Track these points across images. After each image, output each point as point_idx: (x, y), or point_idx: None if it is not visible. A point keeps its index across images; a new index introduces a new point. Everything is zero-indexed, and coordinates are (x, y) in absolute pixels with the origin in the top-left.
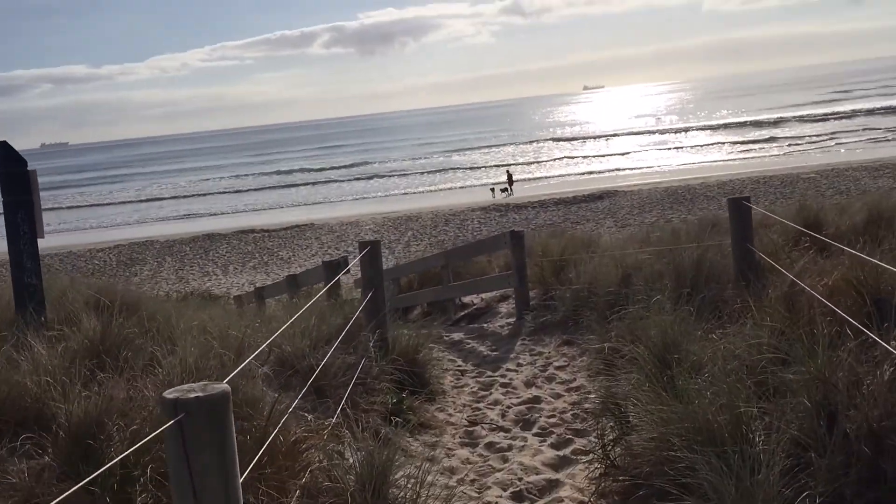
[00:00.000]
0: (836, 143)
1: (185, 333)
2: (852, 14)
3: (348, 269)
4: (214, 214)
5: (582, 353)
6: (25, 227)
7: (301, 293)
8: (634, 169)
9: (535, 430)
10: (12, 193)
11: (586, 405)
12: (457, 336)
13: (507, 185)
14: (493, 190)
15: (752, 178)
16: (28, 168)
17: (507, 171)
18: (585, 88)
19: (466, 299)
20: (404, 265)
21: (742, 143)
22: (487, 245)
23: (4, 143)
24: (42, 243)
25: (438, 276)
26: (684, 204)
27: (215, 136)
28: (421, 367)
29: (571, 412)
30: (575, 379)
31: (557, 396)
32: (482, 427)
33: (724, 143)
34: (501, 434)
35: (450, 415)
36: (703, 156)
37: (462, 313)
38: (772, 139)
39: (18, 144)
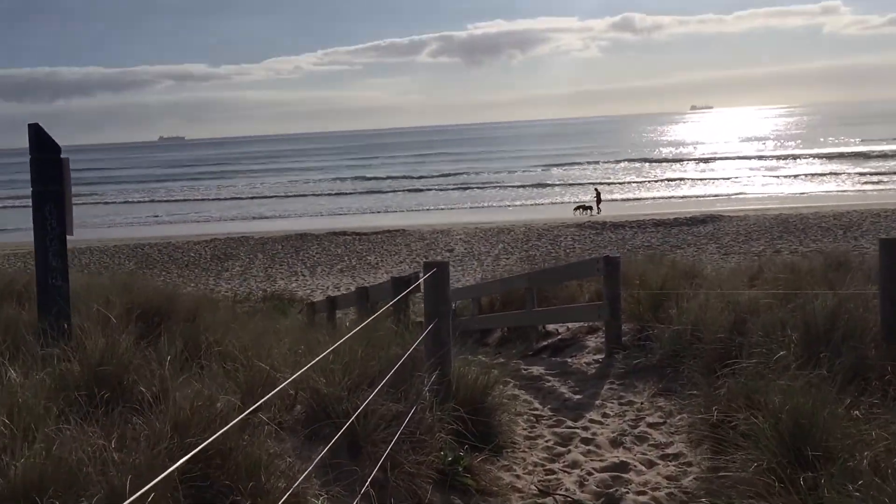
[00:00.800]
0: None
1: (209, 357)
2: None
3: (418, 287)
4: (310, 215)
5: (681, 410)
6: (53, 221)
7: (371, 308)
8: (741, 194)
9: None
10: (42, 182)
11: (685, 483)
12: (536, 370)
13: (592, 204)
14: (577, 210)
15: (872, 211)
16: (62, 155)
17: (596, 189)
18: (693, 108)
19: (551, 327)
20: (485, 284)
21: (860, 173)
22: (577, 270)
23: (36, 125)
24: (143, 232)
25: (522, 298)
26: (795, 234)
27: (321, 137)
28: (488, 413)
29: (667, 489)
30: (672, 443)
31: (650, 465)
32: (555, 500)
33: (839, 172)
34: None
35: (517, 476)
36: (817, 184)
37: (544, 343)
38: (893, 171)
39: (139, 136)
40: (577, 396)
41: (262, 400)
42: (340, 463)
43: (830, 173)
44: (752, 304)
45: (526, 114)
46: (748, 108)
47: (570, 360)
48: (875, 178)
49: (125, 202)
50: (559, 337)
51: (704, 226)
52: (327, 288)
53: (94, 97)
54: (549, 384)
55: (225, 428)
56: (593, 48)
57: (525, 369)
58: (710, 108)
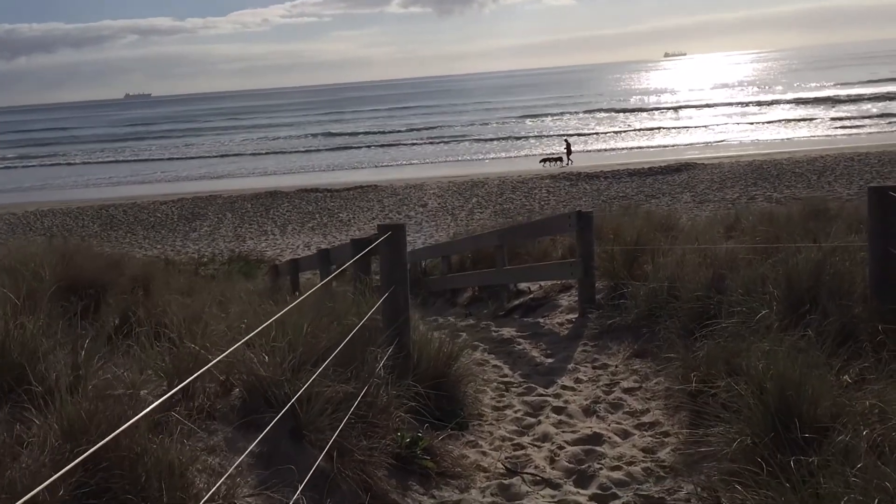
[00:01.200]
0: None
1: (147, 336)
2: None
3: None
4: (281, 173)
5: (657, 373)
6: None
7: (334, 272)
8: (715, 142)
9: (592, 488)
10: None
11: (662, 455)
12: (507, 332)
13: (563, 156)
14: (544, 162)
15: (845, 154)
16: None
17: (566, 141)
18: (666, 55)
19: (523, 286)
20: (455, 242)
21: (833, 118)
22: (549, 226)
23: None
24: (109, 193)
25: (493, 256)
26: (769, 181)
27: (291, 92)
28: (452, 386)
29: (643, 464)
30: (648, 410)
31: (625, 435)
32: (523, 479)
33: (812, 117)
34: (548, 491)
35: (483, 453)
36: (790, 130)
37: (516, 302)
38: (865, 115)
39: (103, 94)
40: (549, 360)
41: (173, 391)
42: (280, 455)
43: (803, 118)
44: (730, 258)
45: (498, 65)
46: (721, 55)
47: (542, 320)
48: (848, 122)
49: (88, 162)
50: (531, 296)
51: (679, 174)
52: (297, 247)
53: (56, 54)
54: (520, 347)
55: (122, 427)
56: None
57: (495, 331)
58: (684, 54)
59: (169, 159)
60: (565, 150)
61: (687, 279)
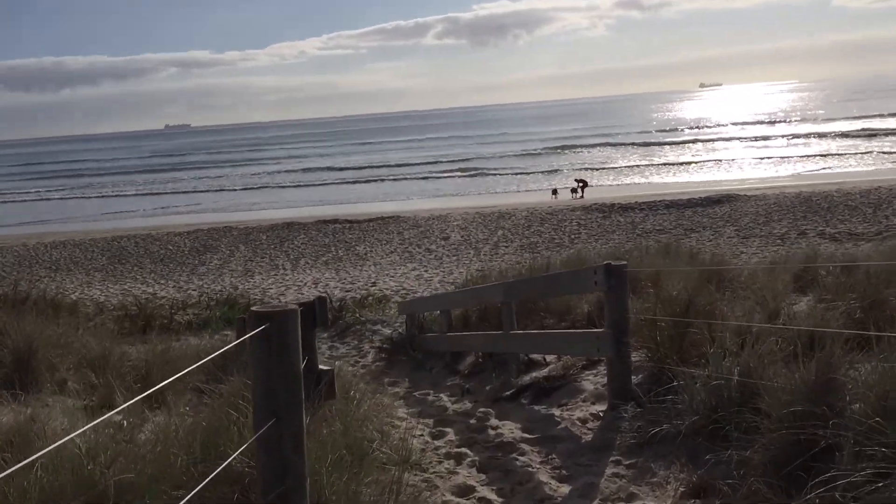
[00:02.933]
0: None
1: None
2: None
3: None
4: (302, 204)
5: None
6: None
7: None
8: (756, 172)
9: None
10: None
11: None
12: (508, 431)
13: (577, 188)
14: (554, 194)
15: None
16: None
17: (578, 180)
18: (702, 86)
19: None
20: (454, 295)
21: (882, 151)
22: (567, 283)
23: None
24: (122, 224)
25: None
26: (819, 213)
27: (326, 122)
28: None
29: None
30: None
31: None
32: None
33: (856, 147)
34: None
35: None
36: (835, 160)
37: (527, 378)
38: None
39: (144, 125)
40: (564, 489)
41: None
42: None
43: (846, 149)
44: (829, 340)
45: (533, 95)
46: (757, 85)
47: (558, 411)
48: (888, 151)
49: (118, 195)
50: (546, 371)
51: (720, 206)
52: (305, 284)
53: (99, 86)
54: (524, 460)
55: None
56: (600, 27)
57: (494, 428)
58: (720, 85)
59: (192, 191)
60: (580, 186)
61: (770, 372)
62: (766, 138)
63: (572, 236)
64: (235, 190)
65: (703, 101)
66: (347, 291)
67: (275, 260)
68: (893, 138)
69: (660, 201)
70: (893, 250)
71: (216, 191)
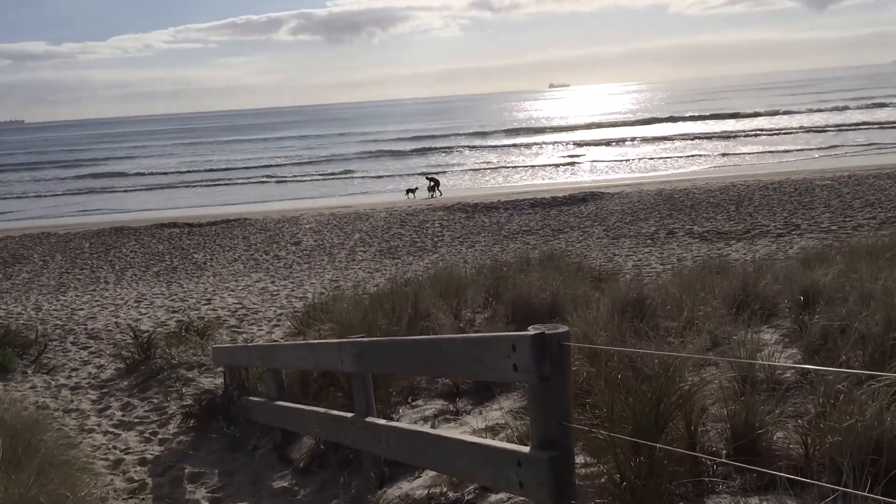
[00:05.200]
0: (827, 150)
1: None
2: (815, 23)
3: None
4: (136, 209)
5: None
6: None
7: None
8: (612, 170)
9: None
10: None
11: None
12: None
13: (429, 188)
14: (409, 193)
15: (759, 183)
16: None
17: (429, 179)
18: (551, 86)
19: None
20: (284, 349)
21: (723, 147)
22: (457, 358)
23: None
24: None
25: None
26: (684, 211)
27: (173, 119)
28: None
29: None
30: None
31: None
32: None
33: (701, 144)
34: None
35: None
36: (684, 158)
37: (393, 496)
38: (752, 142)
39: None
40: None
41: None
42: None
43: (693, 145)
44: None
45: (388, 93)
46: (603, 86)
47: None
48: (735, 150)
49: None
50: (424, 486)
51: (585, 205)
52: (126, 302)
53: None
54: None
55: None
56: (454, 27)
57: None
58: (567, 85)
59: (10, 197)
60: (431, 184)
61: None
62: (617, 138)
63: (435, 239)
64: (58, 194)
65: (553, 100)
66: (174, 312)
67: (97, 272)
68: (727, 140)
69: (523, 200)
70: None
71: (45, 195)
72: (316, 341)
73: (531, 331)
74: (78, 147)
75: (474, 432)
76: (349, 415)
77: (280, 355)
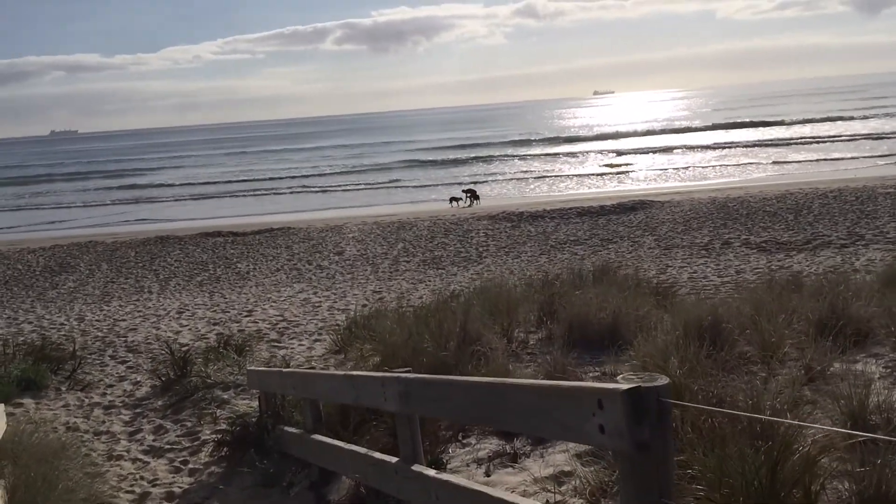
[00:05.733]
0: (886, 157)
1: None
2: (865, 27)
3: None
4: (182, 218)
5: None
6: None
7: None
8: (659, 178)
9: None
10: None
11: None
12: None
13: (466, 198)
14: (453, 202)
15: (817, 191)
16: None
17: (468, 191)
18: (596, 93)
19: None
20: (320, 378)
21: (777, 154)
22: (523, 412)
23: None
24: None
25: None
26: (739, 220)
27: (221, 128)
28: None
29: None
30: None
31: None
32: None
33: (750, 152)
34: None
35: None
36: (735, 166)
37: None
38: (804, 149)
39: (29, 130)
40: None
41: None
42: None
43: (743, 152)
44: None
45: (432, 101)
46: (648, 92)
47: None
48: (787, 158)
49: None
50: None
51: (635, 213)
52: (168, 313)
53: None
54: None
55: None
56: (498, 34)
57: None
58: (612, 92)
59: (66, 206)
60: (468, 196)
61: None
62: (664, 146)
63: (480, 249)
64: (107, 204)
65: (598, 107)
66: (215, 325)
67: (141, 281)
68: (778, 147)
69: (570, 209)
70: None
71: (94, 205)
72: (356, 373)
73: (623, 383)
74: (128, 157)
75: (535, 482)
76: (393, 460)
77: (316, 385)
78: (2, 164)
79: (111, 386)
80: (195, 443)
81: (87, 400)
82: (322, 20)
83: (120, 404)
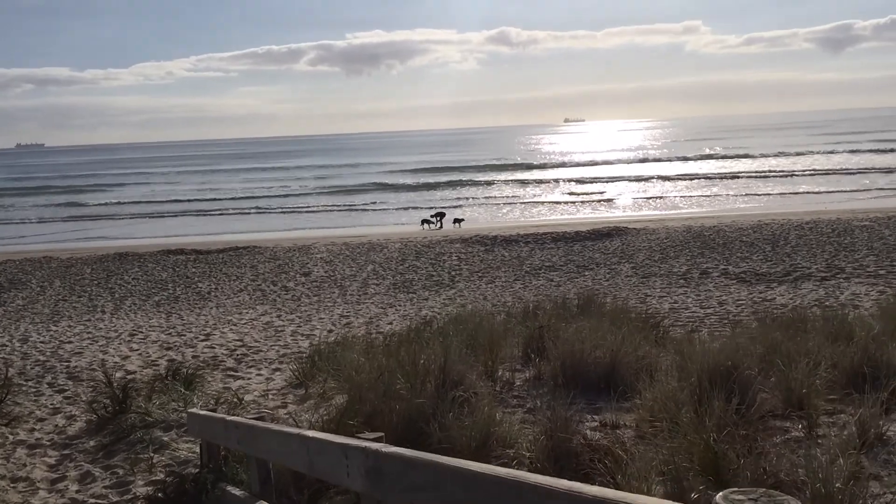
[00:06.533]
0: (854, 192)
1: None
2: (829, 65)
3: None
4: (142, 235)
5: None
6: None
7: None
8: (632, 206)
9: None
10: None
11: None
12: None
13: (437, 220)
14: (424, 224)
15: (792, 222)
16: None
17: (439, 213)
18: (566, 121)
19: None
20: (270, 433)
21: (746, 186)
22: None
23: None
24: None
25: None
26: (716, 250)
27: (191, 145)
28: None
29: None
30: None
31: None
32: None
33: (724, 182)
34: None
35: None
36: (707, 197)
37: None
38: (772, 181)
39: None
40: None
41: None
42: None
43: (712, 183)
44: None
45: (405, 124)
46: (618, 121)
47: None
48: (756, 189)
49: None
50: None
51: (610, 240)
52: (119, 335)
53: None
54: None
55: None
56: (471, 60)
57: None
58: (583, 120)
59: (22, 222)
60: (437, 216)
61: None
62: (636, 175)
63: (453, 273)
64: (66, 220)
65: (569, 134)
66: (168, 349)
67: (95, 300)
68: (749, 179)
69: (544, 234)
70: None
71: (52, 220)
72: (311, 434)
73: None
74: (93, 172)
75: None
76: None
77: (265, 441)
78: None
79: (42, 420)
80: (124, 496)
81: (11, 437)
82: (297, 41)
83: (48, 443)
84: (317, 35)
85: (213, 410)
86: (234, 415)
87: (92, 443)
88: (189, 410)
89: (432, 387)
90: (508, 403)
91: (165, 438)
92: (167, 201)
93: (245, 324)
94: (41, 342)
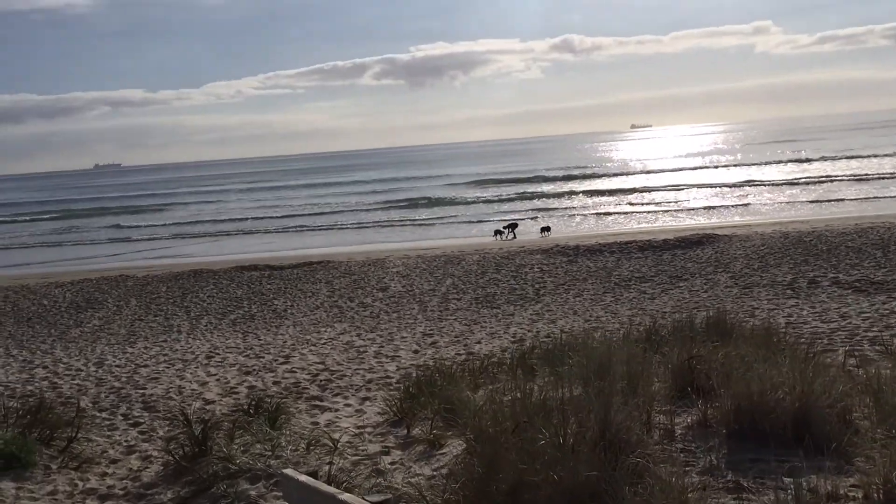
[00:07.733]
0: None
1: None
2: None
3: None
4: (217, 252)
5: None
6: None
7: None
8: (715, 212)
9: None
10: None
11: None
12: None
13: (507, 231)
14: (496, 235)
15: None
16: None
17: (510, 223)
18: (633, 126)
19: None
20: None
21: (828, 190)
22: None
23: None
24: (7, 272)
25: None
26: (821, 257)
27: (261, 161)
28: None
29: None
30: None
31: None
32: None
33: (809, 185)
34: None
35: None
36: (790, 197)
37: None
38: (858, 184)
39: (73, 164)
40: None
41: None
42: None
43: (793, 185)
44: None
45: (469, 135)
46: (685, 126)
47: None
48: (844, 192)
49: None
50: None
51: (701, 248)
52: (196, 357)
53: (25, 124)
54: None
55: None
56: (535, 69)
57: None
58: (650, 125)
59: (98, 242)
60: (509, 226)
61: None
62: (712, 181)
63: (537, 286)
64: (142, 239)
65: (637, 140)
66: (247, 374)
67: (170, 319)
68: (831, 182)
69: (629, 243)
70: None
71: (131, 240)
72: None
73: None
74: (168, 190)
75: None
76: None
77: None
78: (46, 197)
79: (115, 462)
80: None
81: (80, 484)
82: (361, 56)
83: (120, 492)
84: (381, 49)
85: (314, 474)
86: (330, 463)
87: (170, 494)
88: (283, 472)
89: (588, 446)
90: (674, 460)
91: (252, 493)
92: (238, 219)
93: (324, 344)
94: (117, 366)
